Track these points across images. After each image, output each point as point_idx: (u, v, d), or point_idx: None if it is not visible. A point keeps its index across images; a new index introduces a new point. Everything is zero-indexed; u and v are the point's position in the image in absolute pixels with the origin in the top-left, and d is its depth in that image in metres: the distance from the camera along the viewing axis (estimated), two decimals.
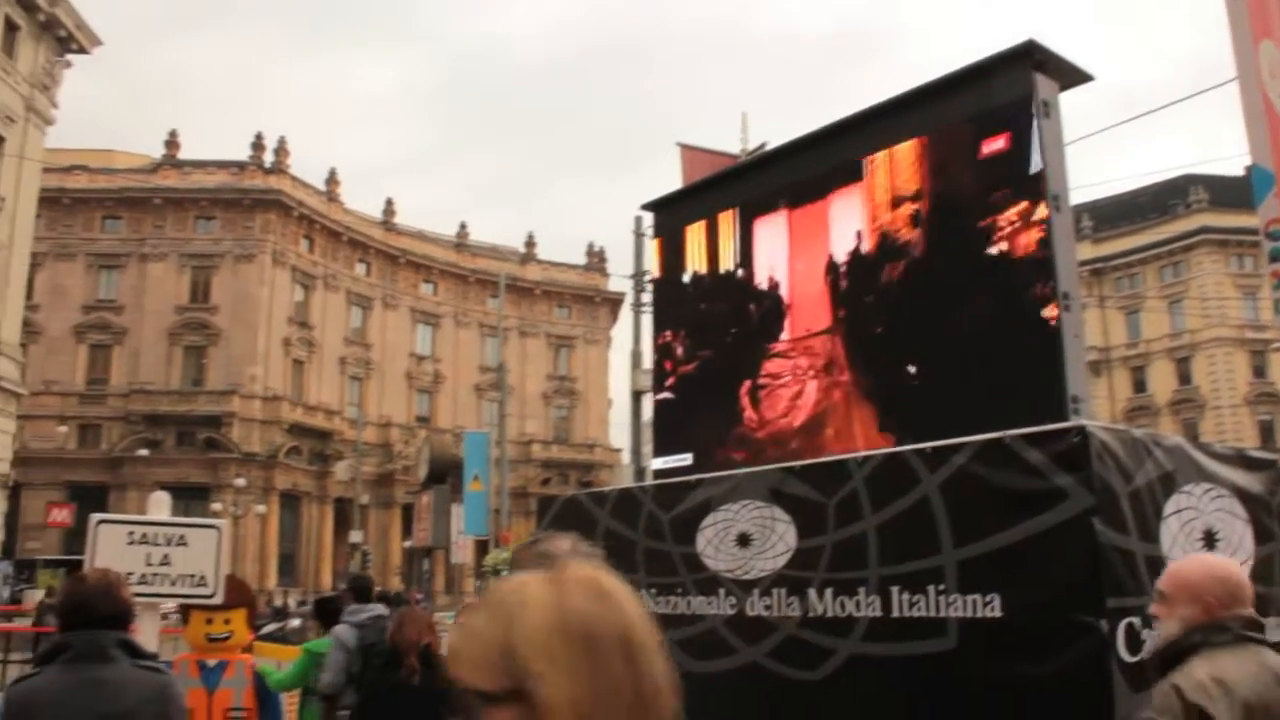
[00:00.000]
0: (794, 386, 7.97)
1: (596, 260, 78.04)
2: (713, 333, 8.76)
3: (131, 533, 6.85)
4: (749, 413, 8.46)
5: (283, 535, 56.83)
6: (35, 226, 41.62)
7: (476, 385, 70.62)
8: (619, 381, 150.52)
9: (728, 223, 8.63)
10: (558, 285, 75.38)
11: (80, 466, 55.63)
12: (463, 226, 73.92)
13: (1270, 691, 3.05)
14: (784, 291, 8.18)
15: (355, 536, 48.45)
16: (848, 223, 7.78)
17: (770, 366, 8.25)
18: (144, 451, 55.32)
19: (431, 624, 6.44)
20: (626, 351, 23.16)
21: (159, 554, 6.81)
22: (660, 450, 8.99)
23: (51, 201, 51.50)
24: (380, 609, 8.51)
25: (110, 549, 6.61)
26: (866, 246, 7.69)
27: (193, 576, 6.82)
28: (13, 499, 38.51)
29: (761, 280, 8.36)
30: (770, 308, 8.27)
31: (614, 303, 76.92)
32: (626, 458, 68.31)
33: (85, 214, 59.94)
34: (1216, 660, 3.21)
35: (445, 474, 12.67)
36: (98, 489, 54.08)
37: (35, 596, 33.04)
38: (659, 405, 9.48)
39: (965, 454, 6.11)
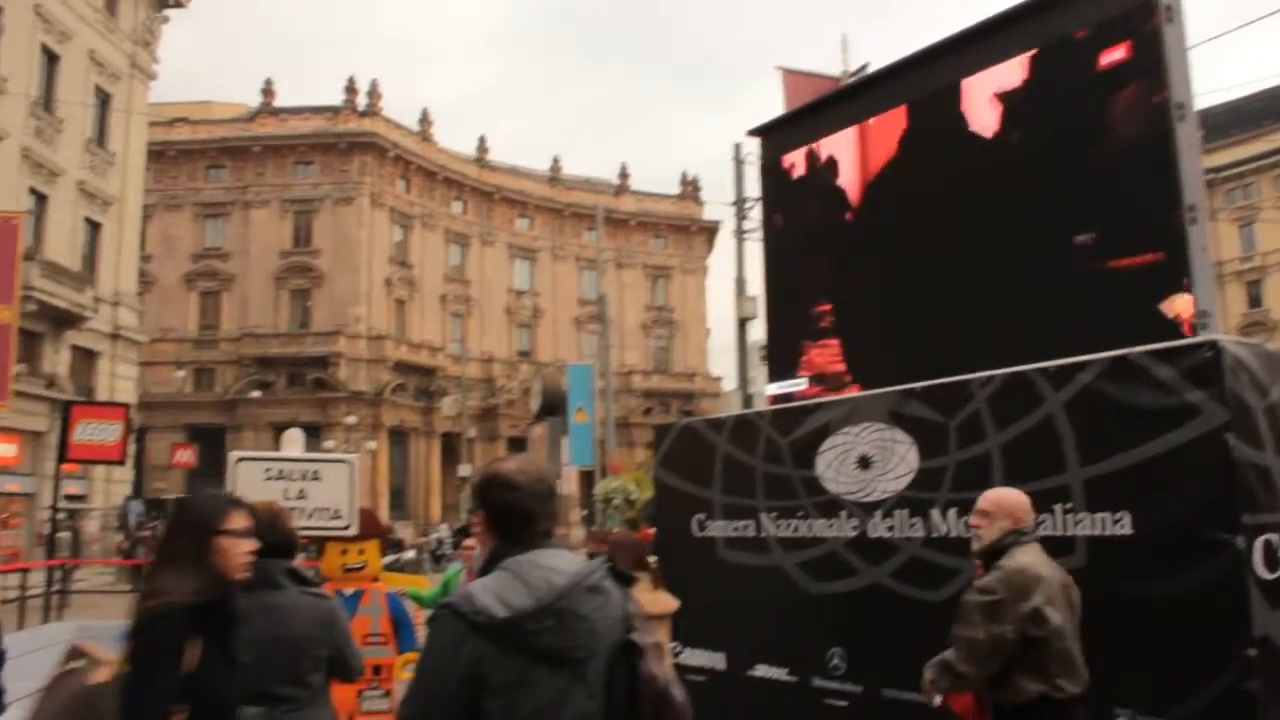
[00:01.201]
0: (912, 305, 7.89)
1: (691, 190, 77.60)
2: (828, 255, 8.70)
3: (269, 469, 7.11)
4: (865, 334, 8.42)
5: (392, 470, 58.18)
6: (144, 179, 42.74)
7: (576, 318, 71.10)
8: (717, 310, 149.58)
9: (839, 143, 8.54)
10: (653, 216, 75.15)
11: (198, 409, 57.55)
12: (556, 160, 74.02)
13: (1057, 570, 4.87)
14: (899, 209, 8.07)
15: (464, 470, 49.36)
16: (961, 137, 7.64)
17: (887, 285, 8.17)
18: (256, 393, 57.00)
19: (644, 558, 6.48)
20: (724, 280, 23.12)
21: (295, 489, 7.05)
22: (775, 375, 9.02)
23: (157, 155, 52.72)
24: None
25: (250, 485, 6.88)
26: (982, 161, 7.55)
27: (328, 509, 7.06)
28: (139, 442, 40.00)
29: (875, 199, 8.26)
30: (886, 226, 8.17)
31: (709, 232, 76.54)
32: (727, 386, 68.41)
33: (189, 165, 61.31)
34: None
35: (557, 406, 12.87)
36: (215, 430, 55.95)
37: None
38: (773, 330, 9.49)
39: (1091, 372, 6.02)
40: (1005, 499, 5.14)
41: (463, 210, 68.30)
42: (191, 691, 3.11)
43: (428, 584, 9.20)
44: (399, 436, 59.70)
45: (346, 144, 60.96)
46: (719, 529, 8.46)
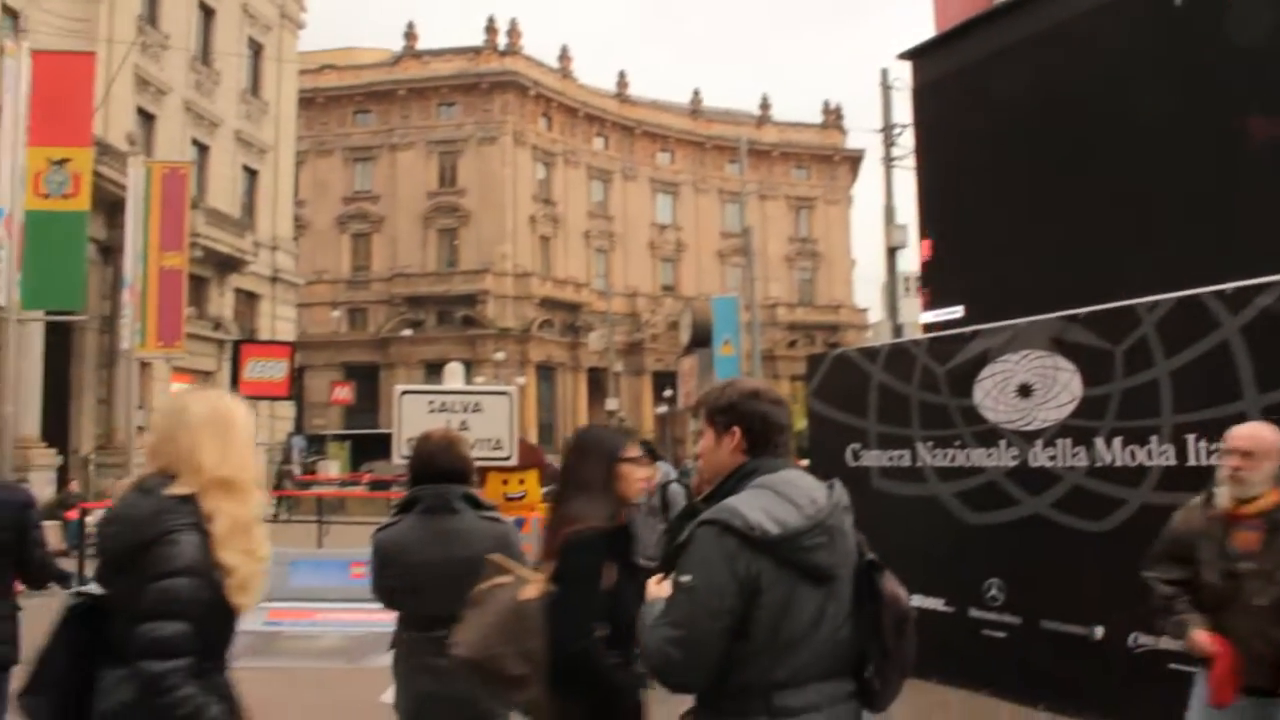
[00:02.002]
0: (1076, 228, 7.65)
1: (834, 118, 76.14)
2: (985, 179, 8.48)
3: (431, 402, 7.35)
4: (1027, 258, 8.20)
5: (540, 405, 59.23)
6: (295, 126, 43.94)
7: (718, 251, 70.85)
8: (861, 241, 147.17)
9: (996, 63, 8.26)
10: (795, 146, 74.05)
11: (352, 348, 59.49)
12: (696, 93, 73.42)
13: None
14: (1062, 129, 7.80)
15: (611, 404, 49.99)
16: (1133, 54, 7.32)
17: (1050, 208, 7.93)
18: (407, 332, 58.56)
19: None
20: (868, 210, 22.71)
21: (458, 420, 7.27)
22: (930, 303, 8.87)
23: (307, 101, 54.08)
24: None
25: (414, 418, 7.11)
26: (1153, 74, 7.23)
27: (489, 440, 7.26)
28: (298, 380, 41.56)
29: (1037, 120, 7.99)
30: (1048, 147, 7.91)
31: (853, 161, 75.09)
32: (873, 317, 67.45)
33: (338, 110, 62.78)
34: None
35: (707, 338, 12.89)
36: (369, 368, 57.86)
37: (329, 468, 35.75)
38: (928, 259, 9.32)
39: (1272, 294, 5.77)
40: (1267, 436, 4.34)
41: (604, 146, 68.44)
42: (609, 610, 3.35)
43: None
44: (546, 372, 60.70)
45: (488, 84, 61.53)
46: (873, 459, 8.42)
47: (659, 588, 2.71)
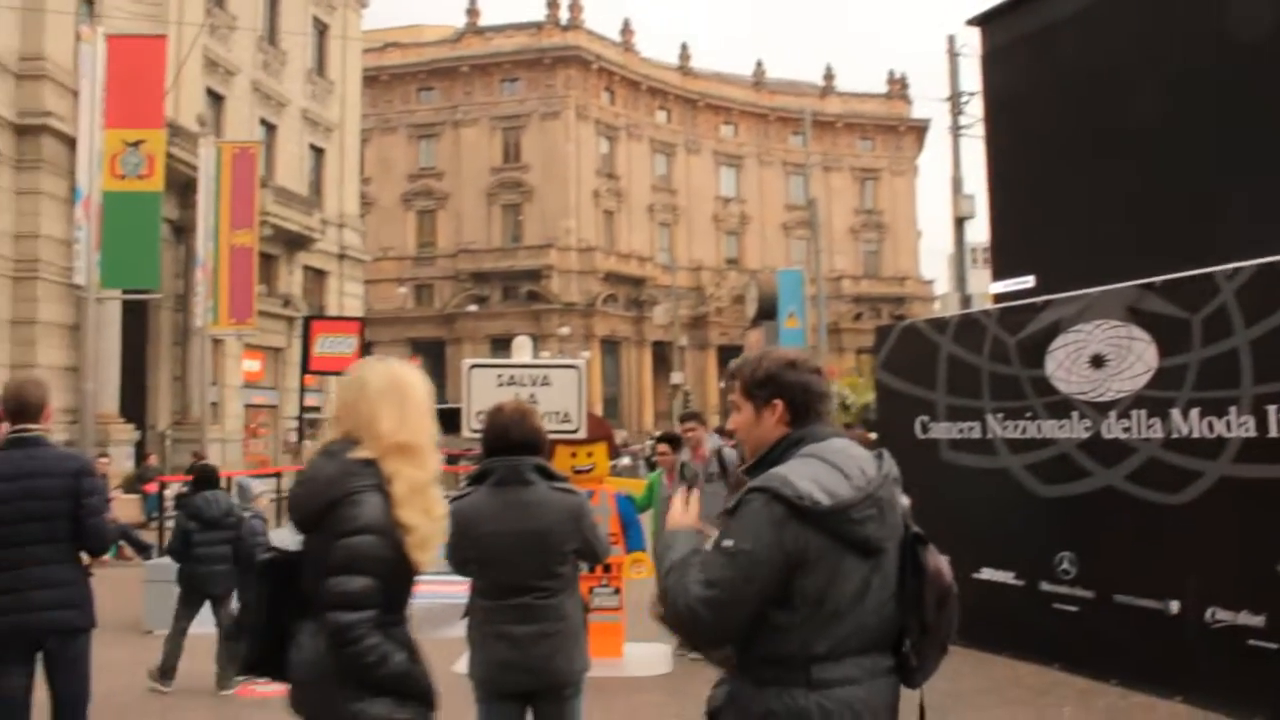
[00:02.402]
0: (1149, 197, 7.50)
1: (898, 88, 75.19)
2: (1057, 147, 8.33)
3: (500, 375, 7.40)
4: (1100, 226, 8.06)
5: (605, 379, 59.42)
6: (360, 104, 44.30)
7: (783, 224, 70.47)
8: (927, 212, 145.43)
9: (1072, 27, 8.10)
10: (860, 117, 73.26)
11: (419, 324, 60.10)
12: (759, 65, 72.88)
13: None
14: (1138, 97, 7.63)
15: (676, 378, 50.00)
16: (1211, 17, 7.15)
17: (1123, 177, 7.77)
18: (473, 307, 59.02)
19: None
20: (934, 181, 22.41)
21: (526, 394, 7.32)
22: (1000, 273, 8.76)
23: (371, 80, 54.49)
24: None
25: (483, 391, 7.18)
26: (1239, 41, 7.06)
27: (558, 413, 7.30)
28: (365, 356, 42.03)
29: (1111, 87, 7.83)
30: (1121, 115, 7.75)
31: (919, 131, 74.16)
32: (938, 289, 66.65)
33: (401, 88, 63.21)
34: None
35: (773, 311, 12.82)
36: (435, 343, 58.43)
37: None
38: (997, 228, 9.19)
39: None
40: None
41: (667, 119, 68.24)
42: None
43: (643, 488, 9.47)
44: (611, 346, 60.88)
45: (550, 59, 61.56)
46: (942, 430, 8.36)
47: (683, 513, 2.72)
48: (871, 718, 2.52)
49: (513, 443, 4.06)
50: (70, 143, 23.39)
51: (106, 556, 4.75)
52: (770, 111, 71.06)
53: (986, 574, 7.95)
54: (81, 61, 18.14)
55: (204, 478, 8.67)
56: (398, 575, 2.91)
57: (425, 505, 2.96)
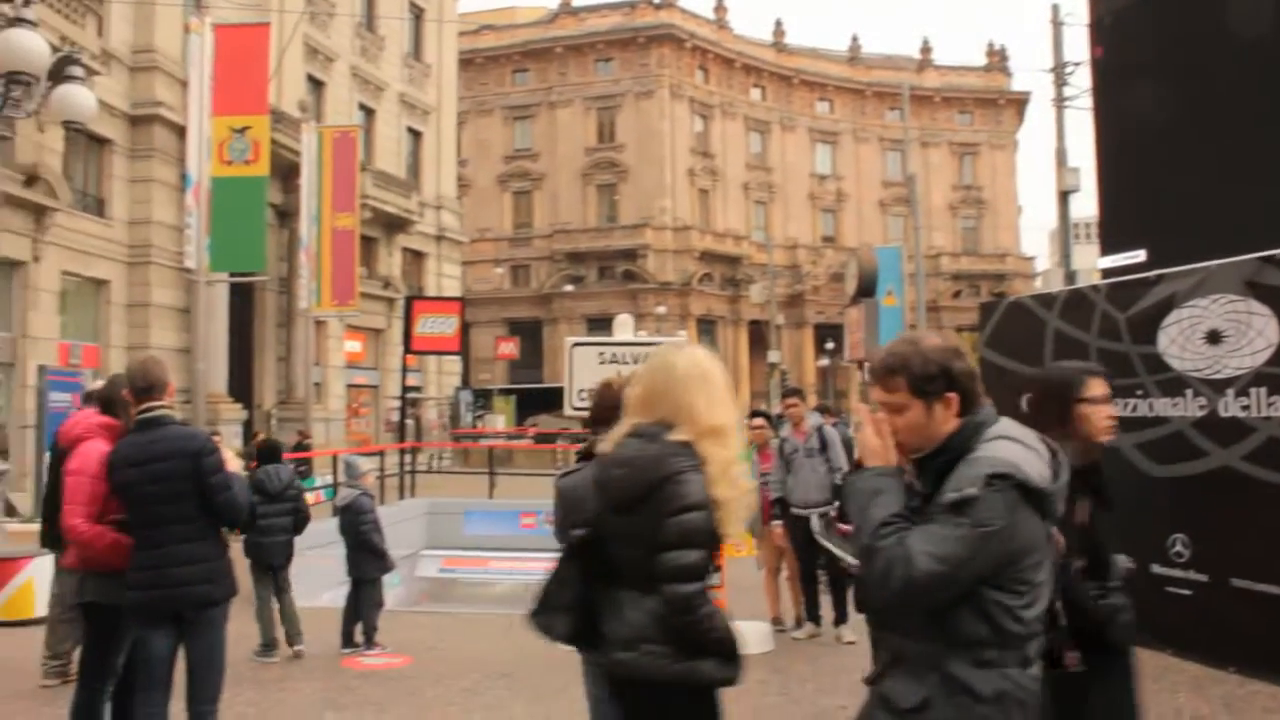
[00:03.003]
0: (1270, 166, 7.23)
1: (998, 60, 73.58)
2: (1171, 117, 8.07)
3: (602, 353, 7.44)
4: (1216, 198, 7.79)
5: None
6: (456, 87, 44.75)
7: (880, 201, 69.60)
8: (1028, 186, 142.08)
9: None
10: (958, 90, 71.85)
11: (515, 304, 60.68)
12: (854, 40, 71.87)
13: None
14: (1256, 65, 7.35)
15: (773, 356, 49.74)
16: None
17: (1241, 146, 7.50)
18: (569, 287, 59.40)
19: None
20: (1034, 154, 21.89)
21: (628, 372, 7.33)
22: (1109, 248, 8.53)
23: (466, 62, 54.97)
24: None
25: (585, 369, 7.23)
26: None
27: None
28: (463, 336, 42.64)
29: (1228, 55, 7.55)
30: (1240, 84, 7.47)
31: (1019, 104, 72.57)
32: (1039, 265, 65.18)
33: (496, 70, 63.67)
34: None
35: (873, 287, 12.60)
36: (532, 323, 58.99)
37: (495, 421, 36.63)
38: (1106, 201, 8.94)
39: None
40: None
41: (761, 97, 67.75)
42: (1084, 544, 3.55)
43: None
44: (707, 325, 60.80)
45: (644, 38, 61.47)
46: None
47: (881, 446, 2.69)
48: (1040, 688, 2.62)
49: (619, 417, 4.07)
50: (179, 131, 24.05)
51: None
52: (866, 87, 70.11)
53: None
54: (190, 52, 18.63)
55: (267, 453, 8.97)
56: (713, 547, 3.15)
57: (734, 481, 3.16)
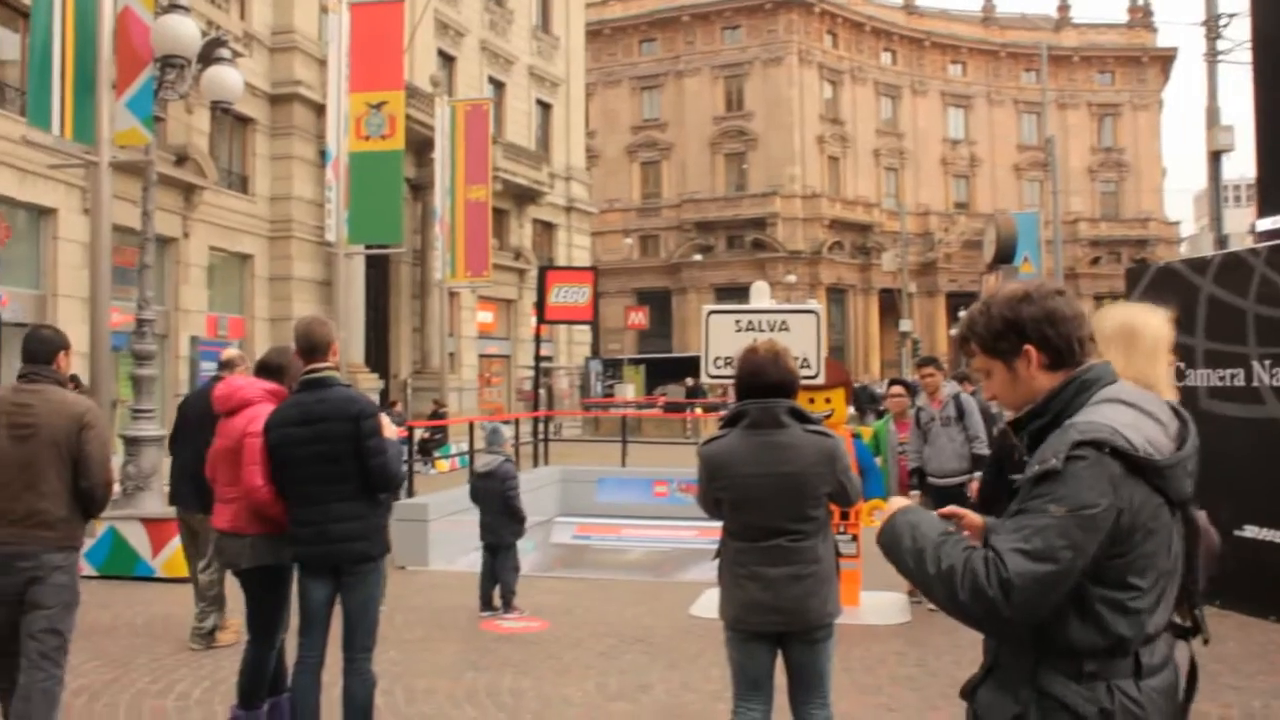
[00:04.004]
0: None
1: (1141, 16, 70.72)
2: None
3: (738, 321, 7.42)
4: None
5: (831, 328, 58.76)
6: (584, 59, 44.93)
7: (1014, 165, 67.76)
8: (1173, 148, 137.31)
9: None
10: (1098, 49, 69.29)
11: (644, 274, 60.92)
12: (988, 0, 69.88)
13: None
14: None
15: (904, 325, 48.97)
16: None
17: None
18: (698, 257, 59.35)
19: None
20: (1179, 113, 20.96)
21: (755, 342, 7.30)
22: (1268, 209, 8.16)
23: (594, 34, 55.16)
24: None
25: (721, 337, 7.23)
26: None
27: (797, 358, 7.24)
28: (594, 306, 42.95)
29: None
30: None
31: (1163, 61, 69.73)
32: (1184, 230, 62.61)
33: (624, 40, 63.75)
34: None
35: (1011, 254, 12.26)
36: (661, 293, 59.17)
37: (625, 391, 36.89)
38: (1265, 161, 8.53)
39: None
40: None
41: (892, 61, 66.47)
42: None
43: (869, 436, 9.37)
44: (837, 294, 60.17)
45: (772, 4, 60.83)
46: (1201, 377, 7.90)
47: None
48: (1169, 702, 2.23)
49: (766, 384, 4.04)
50: (317, 109, 24.72)
51: None
52: (1001, 48, 68.18)
53: (1250, 531, 7.50)
54: (328, 30, 19.05)
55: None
56: None
57: None
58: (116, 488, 9.60)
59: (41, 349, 4.85)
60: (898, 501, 2.42)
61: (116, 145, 10.71)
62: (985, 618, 2.13)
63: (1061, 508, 2.08)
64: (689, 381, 36.04)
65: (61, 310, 18.18)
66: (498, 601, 8.73)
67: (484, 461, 8.85)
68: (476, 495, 8.88)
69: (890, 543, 2.33)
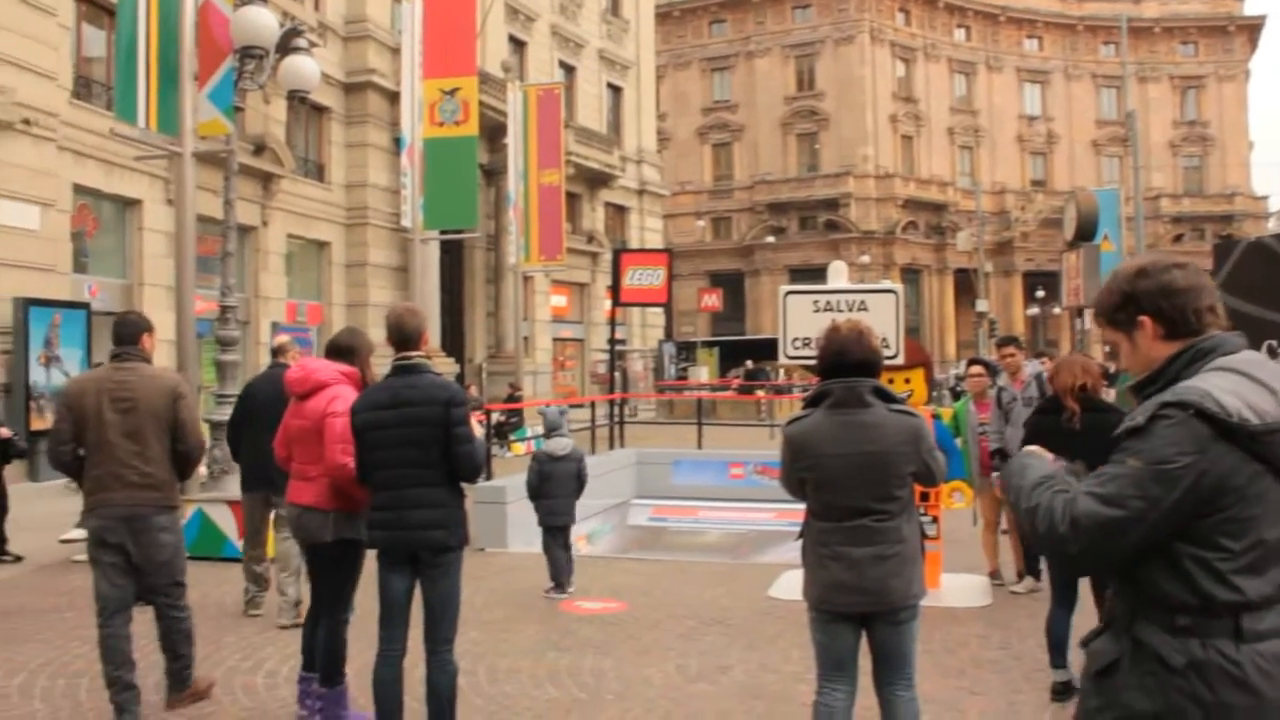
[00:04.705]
0: None
1: None
2: None
3: (816, 301, 7.37)
4: None
5: (905, 309, 58.07)
6: (654, 41, 44.82)
7: (1093, 141, 66.42)
8: (1262, 120, 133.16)
9: None
10: (1180, 19, 67.54)
11: (716, 256, 60.82)
12: None
13: None
14: None
15: (981, 306, 48.26)
16: None
17: None
18: (770, 238, 59.08)
19: (1088, 366, 6.24)
20: (1270, 85, 20.24)
21: (838, 321, 7.25)
22: None
23: (663, 16, 55.06)
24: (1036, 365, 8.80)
25: (799, 318, 7.18)
26: None
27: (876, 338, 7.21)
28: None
29: None
30: None
31: (1251, 29, 67.81)
32: (1275, 204, 60.97)
33: (694, 22, 63.53)
34: None
35: (1092, 231, 11.98)
36: (734, 275, 59.02)
37: (698, 373, 36.86)
38: None
39: None
40: None
41: (966, 37, 65.45)
42: None
43: (949, 417, 9.25)
44: (911, 275, 59.55)
45: None
46: None
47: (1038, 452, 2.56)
48: None
49: (850, 363, 4.01)
50: (390, 96, 24.97)
51: None
52: (1078, 21, 66.80)
53: None
54: (401, 19, 19.22)
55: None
56: None
57: None
58: (203, 469, 9.93)
59: (128, 331, 5.53)
60: (1029, 448, 2.61)
61: (199, 136, 10.90)
62: (1056, 552, 2.31)
63: (1139, 460, 2.19)
64: (749, 365, 35.94)
65: (147, 298, 18.61)
66: (563, 580, 8.78)
67: (560, 444, 8.89)
68: (545, 478, 8.90)
69: (1005, 477, 2.57)
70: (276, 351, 8.09)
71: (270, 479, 6.83)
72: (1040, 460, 2.51)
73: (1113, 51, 63.33)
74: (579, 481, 8.94)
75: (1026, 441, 6.75)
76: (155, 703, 5.72)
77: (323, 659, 5.34)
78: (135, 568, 5.37)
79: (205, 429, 11.50)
